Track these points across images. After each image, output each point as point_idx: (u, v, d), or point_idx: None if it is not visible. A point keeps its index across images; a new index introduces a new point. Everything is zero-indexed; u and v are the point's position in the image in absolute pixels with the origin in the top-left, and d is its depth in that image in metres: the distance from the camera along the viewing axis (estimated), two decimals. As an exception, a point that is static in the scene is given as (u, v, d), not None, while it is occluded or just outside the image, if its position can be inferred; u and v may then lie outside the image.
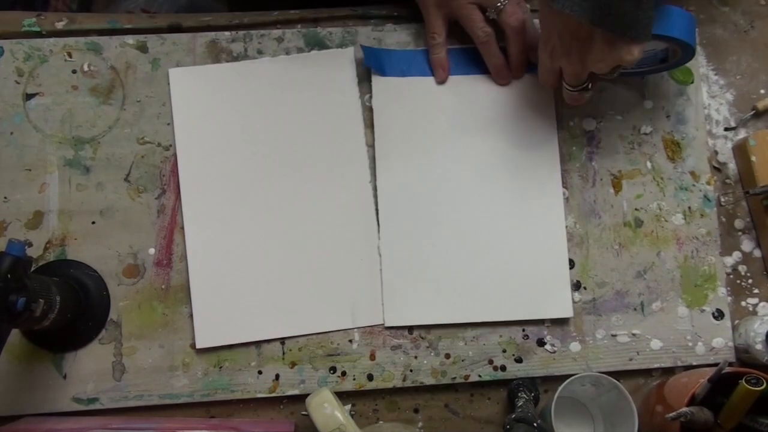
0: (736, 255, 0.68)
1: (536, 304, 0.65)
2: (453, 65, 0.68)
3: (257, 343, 0.64)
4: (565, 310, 0.65)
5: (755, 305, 0.67)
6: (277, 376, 0.64)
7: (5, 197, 0.65)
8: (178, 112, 0.66)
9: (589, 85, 0.61)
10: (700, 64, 0.71)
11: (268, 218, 0.65)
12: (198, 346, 0.63)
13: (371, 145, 0.67)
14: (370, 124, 0.68)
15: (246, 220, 0.65)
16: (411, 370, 0.64)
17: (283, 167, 0.66)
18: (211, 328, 0.63)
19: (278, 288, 0.64)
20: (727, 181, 0.70)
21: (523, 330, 0.65)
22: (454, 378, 0.64)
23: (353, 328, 0.65)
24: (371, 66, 0.67)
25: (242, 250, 0.65)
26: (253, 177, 0.66)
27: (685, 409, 0.54)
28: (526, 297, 0.65)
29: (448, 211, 0.66)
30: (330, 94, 0.67)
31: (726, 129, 0.71)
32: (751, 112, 0.70)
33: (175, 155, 0.66)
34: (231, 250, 0.65)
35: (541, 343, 0.65)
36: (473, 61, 0.68)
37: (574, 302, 0.66)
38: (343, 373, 0.64)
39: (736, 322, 0.66)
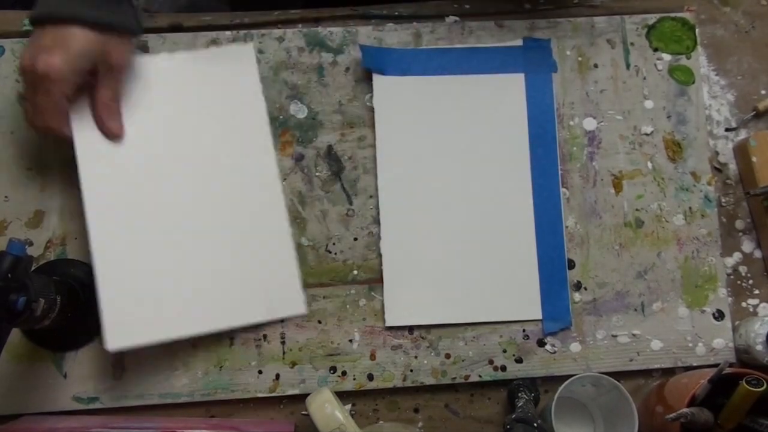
0: (737, 256, 0.68)
1: (535, 305, 0.65)
2: (456, 65, 0.68)
3: (258, 343, 0.64)
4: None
5: (756, 306, 0.67)
6: (278, 376, 0.64)
7: (6, 196, 0.65)
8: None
9: None
10: (701, 64, 0.71)
11: (175, 214, 0.63)
12: (109, 348, 0.58)
13: (372, 145, 0.67)
14: (371, 124, 0.68)
15: (153, 218, 0.63)
16: (411, 370, 0.65)
17: (189, 162, 0.64)
18: (123, 328, 0.60)
19: (190, 284, 0.63)
20: (728, 181, 0.70)
21: (524, 330, 0.65)
22: (455, 378, 0.64)
23: (275, 321, 0.64)
24: (369, 67, 0.67)
25: (151, 249, 0.63)
26: (160, 174, 0.64)
27: (685, 409, 0.54)
28: (526, 297, 0.65)
29: (449, 211, 0.66)
30: (231, 89, 0.66)
31: (727, 129, 0.71)
32: (752, 113, 0.70)
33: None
34: (139, 250, 0.62)
35: (541, 343, 0.65)
36: (476, 62, 0.68)
37: (574, 302, 0.66)
38: (344, 373, 0.64)
39: (737, 322, 0.66)
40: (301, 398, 0.61)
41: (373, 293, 0.65)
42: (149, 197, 0.63)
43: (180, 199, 0.64)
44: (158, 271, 0.63)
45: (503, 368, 0.65)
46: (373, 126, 0.67)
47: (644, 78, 0.70)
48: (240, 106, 0.66)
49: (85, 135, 0.63)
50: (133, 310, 0.61)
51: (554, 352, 0.65)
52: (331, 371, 0.64)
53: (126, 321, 0.60)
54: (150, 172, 0.64)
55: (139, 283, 0.62)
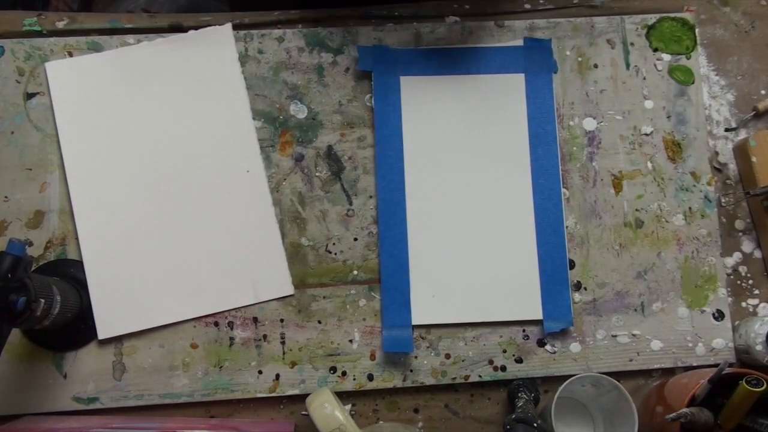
0: (737, 256, 0.68)
1: (536, 305, 0.65)
2: (456, 65, 0.68)
3: (258, 344, 0.64)
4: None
5: (755, 306, 0.67)
6: (278, 376, 0.64)
7: (6, 197, 0.65)
8: (59, 104, 0.66)
9: None
10: (700, 64, 0.71)
11: (159, 200, 0.65)
12: (100, 337, 0.63)
13: (372, 145, 0.67)
14: (371, 124, 0.68)
15: (139, 206, 0.65)
16: (411, 370, 0.65)
17: (173, 147, 0.66)
18: (112, 316, 0.63)
19: (178, 270, 0.64)
20: (728, 181, 0.70)
21: (524, 330, 0.65)
22: (454, 378, 0.64)
23: (256, 304, 0.64)
24: (364, 69, 0.68)
25: (137, 237, 0.64)
26: (144, 160, 0.65)
27: (685, 409, 0.54)
28: (527, 297, 0.65)
29: (449, 211, 0.66)
30: (211, 72, 0.67)
31: (727, 129, 0.71)
32: (752, 113, 0.70)
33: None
34: (125, 239, 0.64)
35: (541, 343, 0.65)
36: (476, 62, 0.68)
37: (574, 303, 0.66)
38: (344, 373, 0.64)
39: (737, 322, 0.66)
40: (301, 398, 0.61)
41: (373, 293, 0.65)
42: (134, 184, 0.65)
43: (165, 185, 0.65)
44: (145, 258, 0.64)
45: (503, 368, 0.65)
46: (373, 126, 0.67)
47: (644, 78, 0.70)
48: (221, 86, 0.67)
49: (68, 126, 0.64)
50: (122, 299, 0.63)
51: (554, 353, 0.65)
52: (331, 371, 0.64)
53: (115, 309, 0.63)
54: (134, 160, 0.65)
55: (127, 271, 0.63)
